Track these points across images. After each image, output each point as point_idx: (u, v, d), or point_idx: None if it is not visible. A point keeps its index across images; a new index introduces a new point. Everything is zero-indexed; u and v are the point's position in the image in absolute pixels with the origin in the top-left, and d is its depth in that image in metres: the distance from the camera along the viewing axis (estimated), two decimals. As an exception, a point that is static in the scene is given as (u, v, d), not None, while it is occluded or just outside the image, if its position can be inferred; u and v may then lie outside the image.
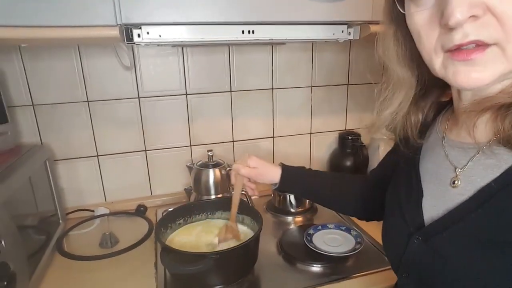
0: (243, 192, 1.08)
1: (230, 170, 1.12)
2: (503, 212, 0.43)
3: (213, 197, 1.12)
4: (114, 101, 1.14)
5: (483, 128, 0.46)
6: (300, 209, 1.18)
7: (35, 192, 0.93)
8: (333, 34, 0.95)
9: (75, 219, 1.14)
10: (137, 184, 1.25)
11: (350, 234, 0.98)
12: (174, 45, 1.12)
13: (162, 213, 1.18)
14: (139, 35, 0.79)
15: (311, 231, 1.00)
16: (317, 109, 1.37)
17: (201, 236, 0.93)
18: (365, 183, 0.82)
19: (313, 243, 0.95)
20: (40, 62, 1.05)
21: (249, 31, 0.86)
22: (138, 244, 1.00)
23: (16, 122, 1.07)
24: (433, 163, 0.55)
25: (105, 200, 1.23)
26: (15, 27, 0.70)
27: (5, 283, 0.66)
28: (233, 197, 0.87)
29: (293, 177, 0.84)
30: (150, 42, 0.81)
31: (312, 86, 1.34)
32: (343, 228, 1.01)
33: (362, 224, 1.07)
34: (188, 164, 1.18)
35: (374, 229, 1.04)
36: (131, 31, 0.79)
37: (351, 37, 0.97)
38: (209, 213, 1.00)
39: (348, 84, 1.38)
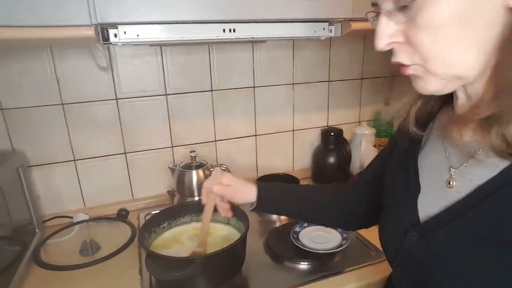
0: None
1: (212, 171, 1.11)
2: (501, 211, 0.43)
3: (197, 198, 1.10)
4: (91, 103, 1.10)
5: (477, 131, 0.47)
6: (285, 207, 1.17)
7: (8, 200, 0.88)
8: (315, 31, 0.95)
9: (53, 227, 1.09)
10: (118, 188, 1.21)
11: (336, 230, 0.99)
12: (152, 44, 1.09)
13: (145, 217, 1.16)
14: (115, 35, 0.76)
15: (297, 229, 1.00)
16: (299, 106, 1.37)
17: (187, 239, 0.91)
18: (347, 191, 0.78)
19: (300, 241, 0.95)
20: (9, 64, 0.99)
21: (230, 30, 0.85)
22: (121, 250, 0.97)
23: (-18, 128, 1.01)
24: (431, 159, 0.55)
25: (84, 206, 1.19)
26: (-19, 27, 0.66)
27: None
28: (203, 218, 0.79)
29: (271, 195, 0.77)
30: (127, 42, 0.78)
31: (293, 84, 1.34)
32: (329, 225, 1.01)
33: (347, 219, 1.08)
34: (171, 165, 1.15)
35: (359, 224, 1.05)
36: (107, 31, 0.75)
37: (332, 34, 0.97)
38: (194, 216, 0.98)
39: (329, 81, 1.39)
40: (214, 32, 0.83)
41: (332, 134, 1.36)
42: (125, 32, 0.76)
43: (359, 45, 1.39)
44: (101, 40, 0.75)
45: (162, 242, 0.91)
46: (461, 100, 0.50)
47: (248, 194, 0.75)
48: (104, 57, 1.06)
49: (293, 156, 1.43)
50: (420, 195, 0.54)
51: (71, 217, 1.13)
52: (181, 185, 1.10)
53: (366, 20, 0.50)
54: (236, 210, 0.93)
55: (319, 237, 0.97)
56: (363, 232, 1.01)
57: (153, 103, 1.17)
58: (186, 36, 0.81)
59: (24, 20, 0.66)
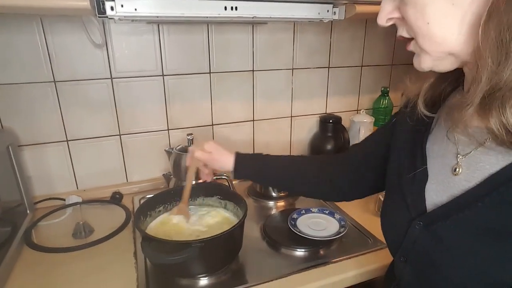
0: (224, 177, 1.06)
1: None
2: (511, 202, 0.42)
3: (193, 182, 1.07)
4: (84, 82, 1.06)
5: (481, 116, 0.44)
6: (282, 194, 1.16)
7: (-3, 180, 0.85)
8: (318, 13, 0.92)
9: (44, 209, 1.06)
10: (112, 171, 1.18)
11: (334, 217, 0.98)
12: (150, 21, 1.05)
13: (140, 200, 1.14)
14: (112, 8, 0.72)
15: (295, 216, 0.99)
16: (298, 92, 1.35)
17: (183, 223, 0.90)
18: (342, 161, 0.78)
19: (297, 227, 0.94)
20: (-3, 37, 0.94)
21: (231, 8, 0.82)
22: (115, 233, 0.95)
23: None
24: (439, 146, 0.53)
25: (77, 188, 1.16)
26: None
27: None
28: (186, 179, 0.86)
29: (248, 163, 0.80)
30: (124, 16, 0.75)
31: (293, 69, 1.31)
32: (327, 212, 1.00)
33: (346, 207, 1.07)
34: (167, 148, 1.12)
35: (357, 212, 1.04)
36: (103, 3, 0.71)
37: (336, 17, 0.94)
38: (190, 199, 0.96)
39: (329, 67, 1.36)
40: (215, 10, 0.80)
41: (330, 121, 1.34)
42: (122, 6, 0.72)
43: (360, 31, 1.36)
44: (97, 13, 0.71)
45: (157, 225, 0.89)
46: (468, 81, 0.49)
47: (225, 162, 0.80)
48: (99, 33, 1.02)
49: (291, 142, 1.41)
50: (427, 183, 0.52)
51: (64, 199, 1.10)
52: (178, 168, 1.07)
53: (370, 3, 0.49)
54: (234, 196, 0.92)
55: (316, 224, 0.96)
56: (360, 220, 1.01)
57: (150, 83, 1.13)
58: (186, 13, 0.77)
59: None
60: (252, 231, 0.97)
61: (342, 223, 0.95)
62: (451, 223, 0.46)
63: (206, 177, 0.85)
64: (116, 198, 1.12)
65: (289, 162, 0.82)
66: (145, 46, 1.09)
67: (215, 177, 1.06)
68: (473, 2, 0.40)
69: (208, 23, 1.13)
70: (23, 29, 0.96)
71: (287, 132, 1.40)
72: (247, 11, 0.84)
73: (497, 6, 0.37)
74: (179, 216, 0.90)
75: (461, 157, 0.49)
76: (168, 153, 1.10)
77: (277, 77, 1.30)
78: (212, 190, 0.96)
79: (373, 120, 1.38)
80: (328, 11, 0.93)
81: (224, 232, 0.74)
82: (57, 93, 1.04)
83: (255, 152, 1.34)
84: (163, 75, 1.14)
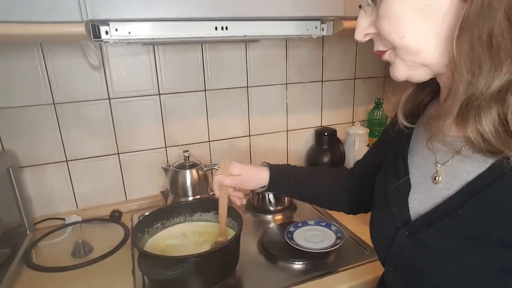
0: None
1: (207, 170, 1.10)
2: (489, 208, 0.42)
3: (191, 198, 1.09)
4: (83, 103, 1.09)
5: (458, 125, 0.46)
6: (279, 207, 1.17)
7: (-2, 202, 0.87)
8: (307, 30, 0.95)
9: (44, 229, 1.07)
10: (111, 189, 1.20)
11: (330, 229, 0.99)
12: (145, 43, 1.09)
13: (139, 218, 1.14)
14: (107, 32, 0.76)
15: (291, 229, 0.99)
16: (292, 106, 1.37)
17: (181, 239, 0.91)
18: (350, 176, 0.81)
19: (294, 240, 0.94)
20: (-2, 63, 0.98)
21: (222, 28, 0.85)
22: (114, 251, 0.95)
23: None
24: (420, 156, 0.55)
25: (77, 207, 1.17)
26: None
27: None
28: (219, 211, 0.81)
29: (282, 178, 0.79)
30: (119, 40, 0.78)
31: (287, 83, 1.33)
32: (323, 224, 1.01)
33: (342, 218, 1.08)
34: (164, 166, 1.14)
35: (353, 223, 1.05)
36: (98, 28, 0.75)
37: (324, 33, 0.97)
38: (187, 216, 0.98)
39: (322, 81, 1.39)
40: (206, 30, 0.83)
41: (326, 134, 1.36)
42: (116, 30, 0.76)
43: (352, 44, 1.39)
44: (92, 38, 0.75)
45: (155, 242, 0.90)
46: (443, 91, 0.50)
47: (260, 179, 0.77)
48: (96, 56, 1.05)
49: (287, 156, 1.43)
50: (410, 192, 0.53)
51: (63, 219, 1.11)
52: (175, 185, 1.09)
53: (357, 18, 0.51)
54: (231, 210, 0.92)
55: (313, 237, 0.96)
56: (357, 231, 1.01)
57: (146, 103, 1.16)
58: (178, 34, 0.81)
59: (12, 16, 0.65)
60: (250, 245, 0.97)
61: (338, 235, 0.95)
62: (434, 231, 0.47)
63: (240, 201, 0.80)
64: (115, 216, 1.13)
65: (317, 175, 0.83)
66: (141, 66, 1.12)
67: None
68: (445, 17, 0.42)
69: (201, 42, 1.16)
70: (24, 54, 1.00)
71: (283, 146, 1.41)
72: (237, 30, 0.87)
73: (467, 21, 0.39)
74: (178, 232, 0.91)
75: (440, 165, 0.50)
76: (166, 170, 1.12)
77: (272, 92, 1.32)
78: (209, 205, 0.97)
79: (368, 131, 1.40)
80: (316, 27, 0.96)
81: (218, 247, 0.75)
82: (56, 115, 1.07)
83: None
84: (159, 94, 1.17)
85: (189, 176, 1.08)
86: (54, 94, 1.05)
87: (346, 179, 0.80)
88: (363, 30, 0.49)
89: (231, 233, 0.89)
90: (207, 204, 0.97)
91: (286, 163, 1.43)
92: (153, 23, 0.79)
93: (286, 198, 1.18)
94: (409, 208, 0.52)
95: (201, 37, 0.84)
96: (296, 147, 1.43)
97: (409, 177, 0.54)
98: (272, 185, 0.78)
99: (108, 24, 0.75)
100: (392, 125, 0.59)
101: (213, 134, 1.28)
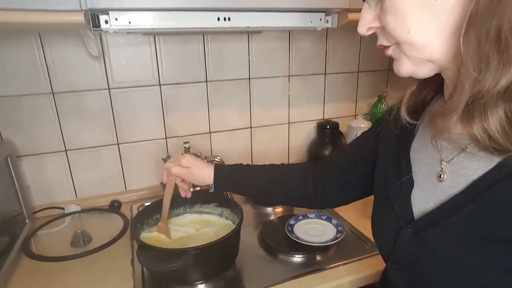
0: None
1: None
2: (496, 207, 0.42)
3: (192, 190, 1.08)
4: (82, 93, 1.08)
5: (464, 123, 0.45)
6: (279, 200, 1.17)
7: (-4, 191, 0.86)
8: (311, 22, 0.93)
9: (43, 218, 1.07)
10: (110, 179, 1.19)
11: (331, 223, 0.99)
12: (146, 33, 1.07)
13: (138, 208, 1.14)
14: (106, 22, 0.74)
15: (292, 222, 0.99)
16: (294, 98, 1.36)
17: (179, 230, 0.90)
18: (312, 169, 0.78)
19: (294, 233, 0.94)
20: (-3, 51, 0.97)
21: (224, 18, 0.83)
22: (113, 241, 0.95)
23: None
24: (423, 152, 0.54)
25: (76, 197, 1.17)
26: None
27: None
28: (164, 198, 0.83)
29: (228, 176, 0.79)
30: (119, 29, 0.76)
31: (289, 76, 1.32)
32: (324, 218, 1.01)
33: (342, 212, 1.08)
34: (164, 157, 1.13)
35: (354, 217, 1.04)
36: (98, 17, 0.73)
37: (329, 25, 0.95)
38: (187, 207, 0.97)
39: (325, 74, 1.37)
40: (208, 21, 0.81)
41: (328, 127, 1.35)
42: (116, 19, 0.74)
43: (356, 37, 1.37)
44: (92, 27, 0.73)
45: (154, 233, 0.89)
46: (448, 88, 0.49)
47: (205, 176, 0.78)
48: (95, 46, 1.04)
49: (289, 149, 1.42)
50: (413, 190, 0.53)
51: (63, 208, 1.11)
52: (175, 176, 1.08)
53: None
54: (231, 203, 0.92)
55: (313, 230, 0.96)
56: (358, 225, 1.01)
57: (147, 93, 1.15)
58: (179, 24, 0.79)
59: (10, 2, 0.64)
60: (249, 237, 0.97)
61: (339, 229, 0.95)
62: (439, 230, 0.47)
63: (185, 193, 0.82)
64: (114, 207, 1.13)
65: (270, 172, 0.80)
66: (141, 56, 1.11)
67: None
68: (452, 12, 0.41)
69: (203, 33, 1.15)
70: (22, 43, 0.98)
71: (284, 139, 1.40)
72: (240, 21, 0.85)
73: (475, 16, 0.38)
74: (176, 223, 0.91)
75: (445, 163, 0.49)
76: (165, 161, 1.11)
77: (274, 84, 1.31)
78: (209, 197, 0.96)
79: (371, 125, 1.38)
80: (320, 19, 0.94)
81: (219, 239, 0.74)
82: (55, 104, 1.06)
83: (253, 159, 1.36)
84: (160, 84, 1.15)
85: (189, 168, 1.07)
86: (53, 83, 1.04)
87: (305, 173, 0.78)
88: (366, 24, 0.48)
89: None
90: (206, 196, 0.97)
91: (287, 156, 1.42)
92: (154, 12, 0.77)
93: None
94: (412, 206, 0.52)
95: (203, 28, 0.82)
96: (297, 140, 1.42)
97: (412, 175, 0.53)
98: (217, 183, 0.78)
99: (107, 13, 0.73)
100: (394, 120, 0.58)
101: (214, 125, 1.27)
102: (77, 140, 1.12)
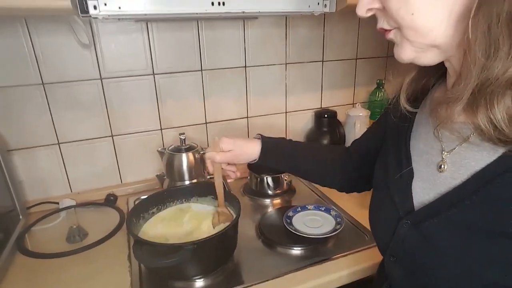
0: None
1: (203, 154, 1.07)
2: (499, 200, 0.40)
3: (187, 182, 1.06)
4: (74, 83, 1.04)
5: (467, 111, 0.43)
6: (278, 191, 1.15)
7: (-13, 186, 0.83)
8: (309, 6, 0.90)
9: (38, 213, 1.05)
10: (105, 172, 1.17)
11: (330, 214, 0.97)
12: (137, 19, 1.03)
13: (134, 201, 1.12)
14: (95, 7, 0.70)
15: (290, 213, 0.98)
16: (292, 87, 1.33)
17: (176, 225, 0.89)
18: (346, 154, 0.79)
19: (293, 225, 0.92)
20: (-18, 40, 0.92)
21: (219, 3, 0.79)
22: (109, 236, 0.94)
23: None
24: (424, 142, 0.52)
25: (71, 191, 1.15)
26: None
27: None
28: (216, 186, 0.82)
29: (273, 151, 0.78)
30: (108, 16, 0.72)
31: (286, 64, 1.29)
32: (323, 209, 0.99)
33: (341, 203, 1.06)
34: (159, 149, 1.11)
35: (353, 208, 1.03)
36: (86, 2, 0.69)
37: (327, 9, 0.92)
38: (184, 200, 0.95)
39: (323, 61, 1.34)
40: (202, 6, 0.77)
41: (326, 116, 1.33)
42: (105, 4, 0.70)
43: (353, 23, 1.33)
44: (80, 13, 0.69)
45: (151, 227, 0.88)
46: (451, 76, 0.47)
47: (250, 153, 0.77)
48: (85, 34, 1.00)
49: (286, 138, 1.39)
50: (413, 181, 0.51)
51: (57, 203, 1.09)
52: (171, 169, 1.06)
53: None
54: (228, 195, 0.90)
55: (312, 222, 0.95)
56: (357, 215, 1.00)
57: (140, 83, 1.11)
58: (172, 10, 0.75)
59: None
60: (248, 230, 0.96)
61: (338, 220, 0.94)
62: (440, 221, 0.45)
63: (235, 174, 0.80)
64: (110, 200, 1.11)
65: (314, 152, 0.82)
66: (134, 45, 1.07)
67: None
68: None
69: (197, 19, 1.11)
70: (7, 31, 0.94)
71: (282, 128, 1.38)
72: (235, 6, 0.81)
73: None
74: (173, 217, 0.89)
75: (445, 153, 0.47)
76: (161, 153, 1.09)
77: (270, 72, 1.28)
78: (206, 190, 0.94)
79: (369, 113, 1.36)
80: (318, 3, 0.90)
81: (216, 233, 0.73)
82: (46, 95, 1.02)
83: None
84: (153, 74, 1.12)
85: (185, 160, 1.05)
86: (43, 73, 1.00)
87: (341, 157, 0.79)
88: (366, 5, 0.45)
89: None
90: (204, 189, 0.95)
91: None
92: (145, -3, 0.73)
93: (285, 182, 1.15)
94: (412, 196, 0.50)
95: (196, 13, 0.78)
96: (295, 129, 1.40)
97: (412, 164, 0.52)
98: (262, 158, 0.77)
99: (96, -2, 0.70)
100: (393, 108, 0.55)
101: (210, 115, 1.24)
102: (70, 133, 1.09)
